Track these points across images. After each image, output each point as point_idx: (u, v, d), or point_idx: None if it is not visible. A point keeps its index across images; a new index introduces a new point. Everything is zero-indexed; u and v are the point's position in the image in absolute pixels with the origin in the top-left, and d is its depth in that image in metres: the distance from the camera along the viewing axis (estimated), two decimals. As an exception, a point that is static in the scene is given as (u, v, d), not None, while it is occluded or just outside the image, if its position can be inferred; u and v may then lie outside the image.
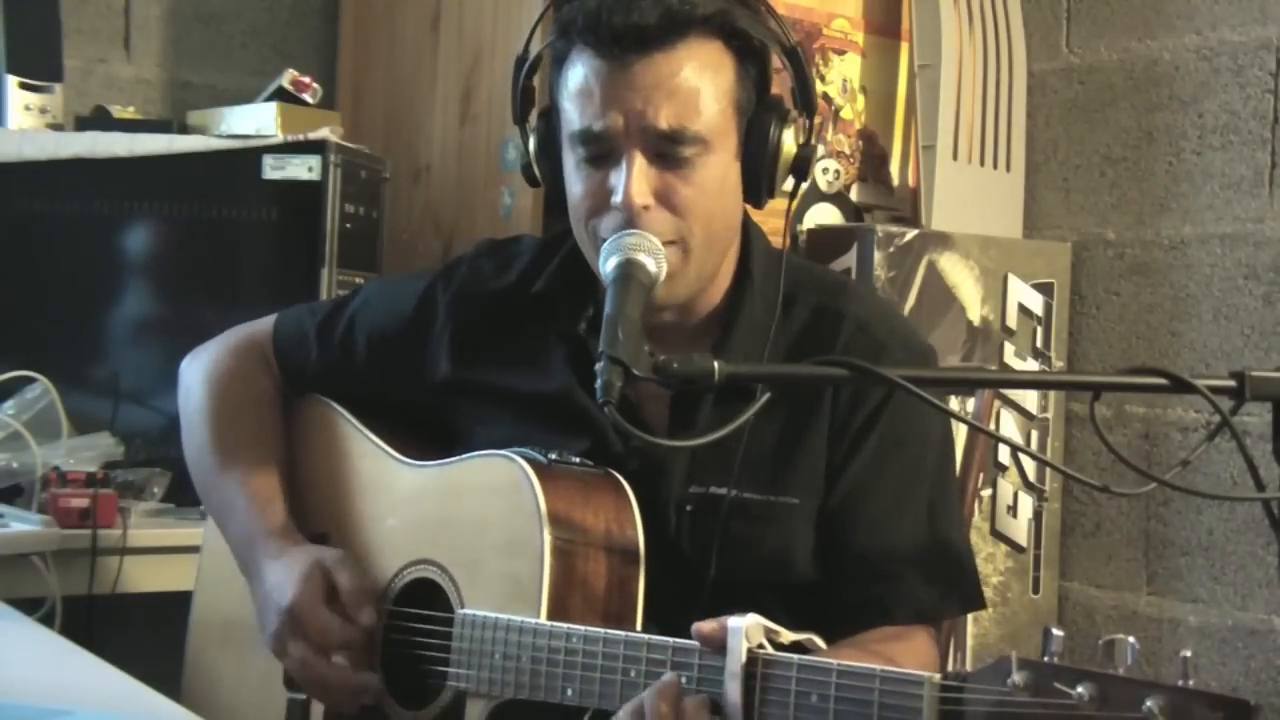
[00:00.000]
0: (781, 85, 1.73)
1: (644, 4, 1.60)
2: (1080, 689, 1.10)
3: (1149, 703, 1.07)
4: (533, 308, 1.81)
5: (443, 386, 1.86)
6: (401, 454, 1.85)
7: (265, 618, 1.77)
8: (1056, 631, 1.16)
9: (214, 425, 1.96)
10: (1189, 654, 1.08)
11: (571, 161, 1.68)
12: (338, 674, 1.72)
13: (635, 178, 1.61)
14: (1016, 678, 1.14)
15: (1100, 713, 1.09)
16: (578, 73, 1.65)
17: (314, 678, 1.73)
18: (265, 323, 2.03)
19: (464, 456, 1.76)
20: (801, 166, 1.71)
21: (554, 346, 1.80)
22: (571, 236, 1.78)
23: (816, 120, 1.72)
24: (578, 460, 1.68)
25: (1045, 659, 1.15)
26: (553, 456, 1.66)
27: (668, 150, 1.62)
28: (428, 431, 1.88)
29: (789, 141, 1.70)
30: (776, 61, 1.72)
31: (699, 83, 1.63)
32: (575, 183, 1.68)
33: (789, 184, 1.72)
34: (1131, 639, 1.11)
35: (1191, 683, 1.08)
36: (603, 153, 1.64)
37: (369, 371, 1.93)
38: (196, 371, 2.01)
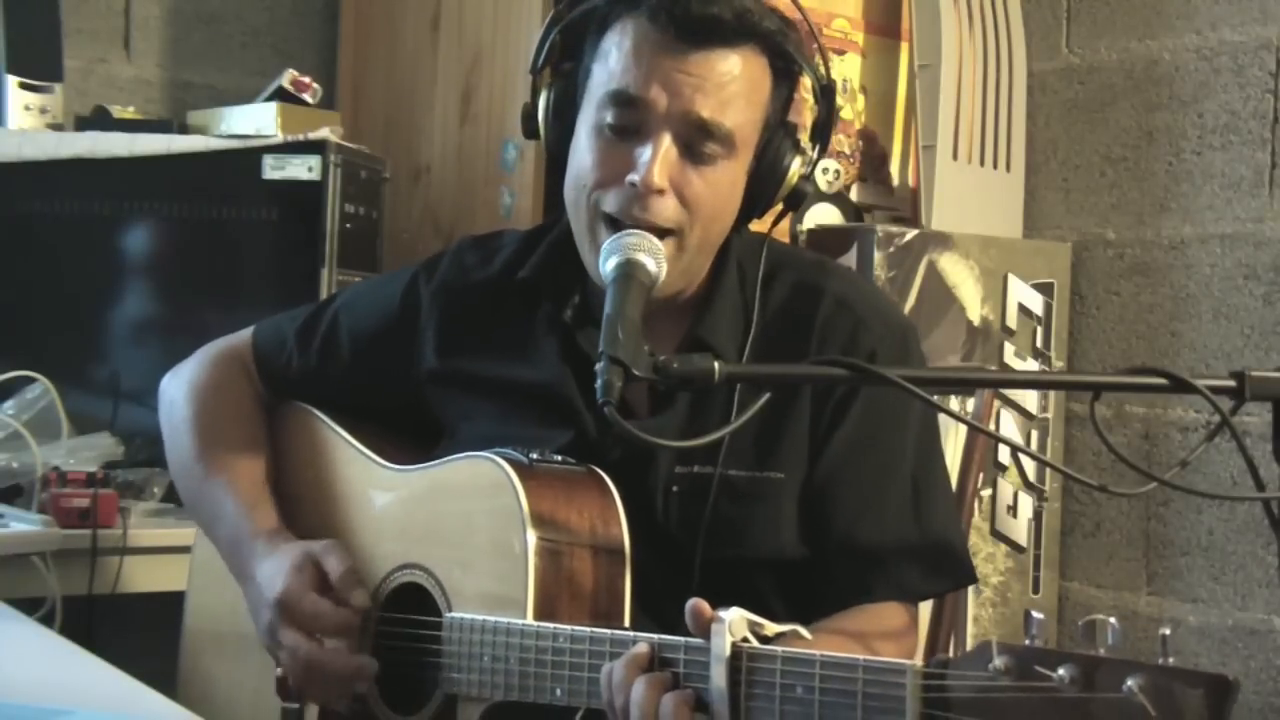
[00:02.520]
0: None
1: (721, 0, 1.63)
2: (1062, 671, 1.10)
3: (1130, 682, 1.07)
4: (517, 295, 1.81)
5: (428, 379, 1.86)
6: (384, 458, 1.85)
7: (258, 613, 1.77)
8: (1037, 615, 1.16)
9: (198, 436, 1.95)
10: (1167, 631, 1.08)
11: (590, 124, 1.68)
12: (333, 658, 1.71)
13: (660, 159, 1.62)
14: (998, 662, 1.14)
15: (1082, 694, 1.09)
16: (628, 40, 1.66)
17: (308, 665, 1.71)
18: (244, 334, 2.02)
19: (446, 459, 1.75)
20: (796, 198, 1.75)
21: (540, 335, 1.80)
22: (556, 227, 1.78)
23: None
24: (559, 459, 1.68)
25: (1027, 643, 1.15)
26: (534, 456, 1.66)
27: (696, 142, 1.64)
28: (411, 432, 1.88)
29: (794, 170, 1.72)
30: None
31: (744, 89, 1.65)
32: (589, 150, 1.68)
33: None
34: (1112, 619, 1.12)
35: (1172, 660, 1.08)
36: (632, 123, 1.64)
37: (353, 371, 1.93)
38: (178, 386, 2.00)
